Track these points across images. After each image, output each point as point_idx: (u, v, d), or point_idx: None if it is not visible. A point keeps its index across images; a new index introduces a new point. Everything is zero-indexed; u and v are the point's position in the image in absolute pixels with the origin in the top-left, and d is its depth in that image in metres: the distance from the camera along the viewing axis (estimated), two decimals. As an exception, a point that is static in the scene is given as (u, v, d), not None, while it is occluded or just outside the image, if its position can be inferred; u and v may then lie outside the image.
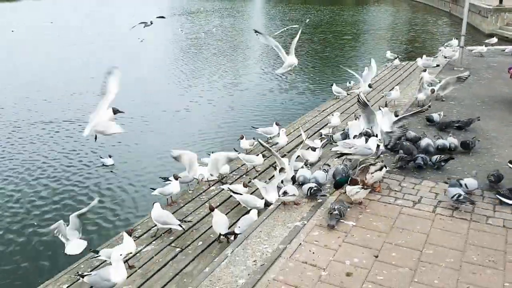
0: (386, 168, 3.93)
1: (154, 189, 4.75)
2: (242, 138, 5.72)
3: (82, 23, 26.82)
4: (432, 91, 6.31)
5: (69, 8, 36.87)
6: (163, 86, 12.42)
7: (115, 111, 4.33)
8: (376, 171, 3.81)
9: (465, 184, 3.70)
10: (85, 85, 11.51)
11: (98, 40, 20.42)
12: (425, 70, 7.60)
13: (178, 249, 4.01)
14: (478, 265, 2.83)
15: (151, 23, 10.18)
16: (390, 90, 7.05)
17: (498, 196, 3.61)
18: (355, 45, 20.22)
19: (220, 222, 3.95)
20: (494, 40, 11.26)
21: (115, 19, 28.92)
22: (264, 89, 11.88)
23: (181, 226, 4.12)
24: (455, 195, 3.48)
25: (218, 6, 42.63)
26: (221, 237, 3.98)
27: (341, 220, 3.39)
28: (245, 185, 4.64)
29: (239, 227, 3.82)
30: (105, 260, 3.76)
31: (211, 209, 4.05)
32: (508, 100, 6.48)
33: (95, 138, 4.39)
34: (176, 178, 4.68)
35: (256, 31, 5.43)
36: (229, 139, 7.71)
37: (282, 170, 4.37)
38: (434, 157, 4.33)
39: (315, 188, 3.79)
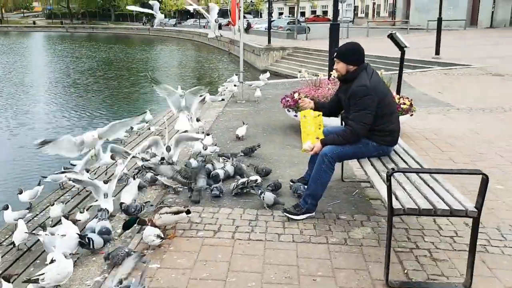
0: (188, 214, 3.69)
1: None
2: (21, 192, 4.86)
3: None
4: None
5: None
6: None
7: None
8: (167, 213, 3.57)
9: (263, 197, 4.16)
10: None
11: None
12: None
13: None
14: (276, 284, 3.03)
15: None
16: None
17: (285, 213, 4.00)
18: (161, 79, 20.77)
19: None
20: (267, 75, 12.80)
21: None
22: (50, 127, 11.00)
23: None
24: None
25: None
26: None
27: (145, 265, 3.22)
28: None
29: None
30: None
31: None
32: (283, 127, 7.38)
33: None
34: None
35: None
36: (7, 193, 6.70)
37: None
38: (232, 185, 4.57)
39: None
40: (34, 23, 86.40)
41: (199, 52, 37.79)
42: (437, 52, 16.78)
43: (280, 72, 21.58)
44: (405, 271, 3.15)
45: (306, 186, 4.29)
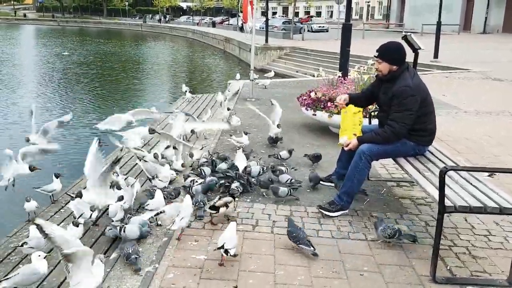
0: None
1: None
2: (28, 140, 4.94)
3: None
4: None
5: None
6: None
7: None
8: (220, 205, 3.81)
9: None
10: None
11: None
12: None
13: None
14: (325, 278, 3.09)
15: None
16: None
17: (320, 210, 4.06)
18: (157, 75, 21.47)
19: None
20: (272, 74, 12.88)
21: None
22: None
23: None
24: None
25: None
26: None
27: (192, 256, 3.26)
28: None
29: None
30: None
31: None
32: (298, 125, 7.44)
33: None
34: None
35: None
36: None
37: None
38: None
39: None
40: (24, 15, 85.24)
41: (194, 50, 37.67)
42: (436, 55, 16.98)
43: (277, 71, 21.60)
44: (448, 268, 3.24)
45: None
